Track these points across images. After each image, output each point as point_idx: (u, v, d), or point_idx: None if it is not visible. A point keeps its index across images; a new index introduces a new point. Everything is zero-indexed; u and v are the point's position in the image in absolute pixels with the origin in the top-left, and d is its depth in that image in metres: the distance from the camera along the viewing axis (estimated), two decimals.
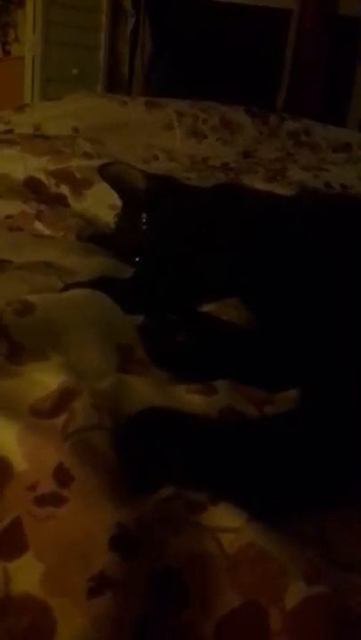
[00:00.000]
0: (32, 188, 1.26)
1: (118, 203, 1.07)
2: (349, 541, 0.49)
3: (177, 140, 1.90)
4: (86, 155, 1.47)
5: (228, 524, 0.45)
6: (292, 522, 0.49)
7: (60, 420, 0.50)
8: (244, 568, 0.43)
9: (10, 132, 1.77)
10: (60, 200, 1.25)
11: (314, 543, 0.47)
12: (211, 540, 0.45)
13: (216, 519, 0.46)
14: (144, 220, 0.93)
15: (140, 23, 4.02)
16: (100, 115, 1.96)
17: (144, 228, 0.93)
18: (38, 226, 1.12)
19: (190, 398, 0.59)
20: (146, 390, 0.58)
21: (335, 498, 0.52)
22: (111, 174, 1.03)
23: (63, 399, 0.52)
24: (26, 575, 0.40)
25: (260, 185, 1.44)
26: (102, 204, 1.20)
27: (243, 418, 0.58)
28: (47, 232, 1.11)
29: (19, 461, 0.46)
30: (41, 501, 0.44)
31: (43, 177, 1.28)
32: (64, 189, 1.26)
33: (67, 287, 0.80)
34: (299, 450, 0.53)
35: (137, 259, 0.94)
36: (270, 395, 0.63)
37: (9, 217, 1.14)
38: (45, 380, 0.56)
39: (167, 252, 0.91)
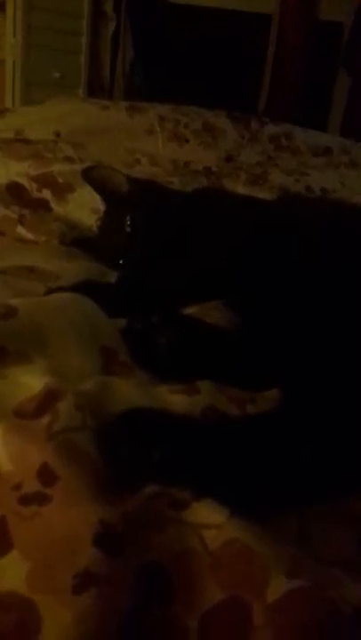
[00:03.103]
0: (14, 193, 1.26)
1: (100, 207, 1.07)
2: (332, 537, 0.50)
3: (159, 144, 1.90)
4: (68, 159, 1.47)
5: (210, 521, 0.46)
6: (275, 518, 0.50)
7: (44, 420, 0.50)
8: (226, 563, 0.44)
9: None
10: (42, 204, 1.25)
11: (297, 539, 0.48)
12: (194, 537, 0.45)
13: (199, 516, 0.46)
14: (128, 224, 0.94)
15: (120, 27, 4.03)
16: (81, 119, 1.96)
17: (127, 231, 0.94)
18: (21, 230, 1.13)
19: (173, 398, 0.60)
20: (129, 391, 0.59)
21: (317, 494, 0.53)
22: (95, 178, 1.03)
23: (47, 400, 0.53)
24: (11, 573, 0.41)
25: (241, 189, 1.45)
26: (84, 208, 1.20)
27: (225, 417, 0.58)
28: (30, 236, 1.12)
29: (3, 461, 0.47)
30: (26, 500, 0.44)
31: (25, 182, 1.28)
32: (46, 194, 1.26)
33: (50, 291, 0.81)
34: (279, 447, 0.54)
35: (120, 262, 0.95)
36: (252, 394, 0.64)
37: None
38: (29, 382, 0.57)
39: (150, 256, 0.91)
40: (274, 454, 0.53)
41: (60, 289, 0.81)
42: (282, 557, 0.44)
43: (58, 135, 1.80)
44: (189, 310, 0.81)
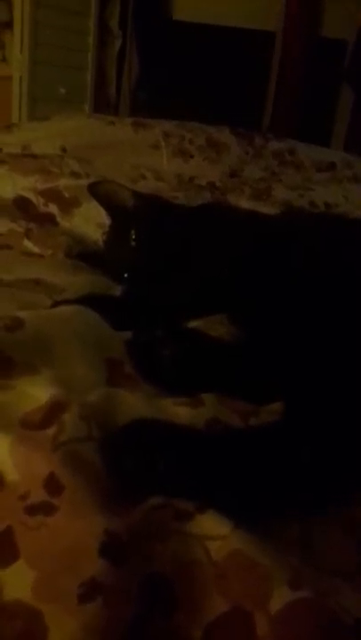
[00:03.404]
0: (21, 207, 1.28)
1: (106, 221, 1.09)
2: (333, 545, 0.50)
3: (164, 159, 1.92)
4: (74, 174, 1.49)
5: (215, 532, 0.47)
6: (278, 529, 0.50)
7: (51, 431, 0.51)
8: (230, 574, 0.45)
9: None
10: (48, 219, 1.26)
11: (299, 548, 0.49)
12: (198, 548, 0.46)
13: (203, 527, 0.47)
14: (133, 238, 0.95)
15: (126, 44, 4.08)
16: (87, 134, 1.98)
17: (132, 245, 0.95)
18: (27, 244, 1.14)
19: (177, 410, 0.60)
20: (134, 403, 0.59)
21: (319, 503, 0.54)
22: (101, 192, 1.05)
23: (53, 411, 0.54)
24: (18, 582, 0.41)
25: (245, 204, 1.47)
26: (90, 223, 1.22)
27: (228, 429, 0.59)
28: (36, 250, 1.13)
29: (10, 472, 0.47)
30: (32, 510, 0.45)
31: (32, 196, 1.29)
32: (52, 208, 1.28)
33: (56, 304, 0.81)
34: (282, 457, 0.54)
35: (125, 275, 0.95)
36: (256, 407, 0.64)
37: None
38: (35, 393, 0.57)
39: (155, 269, 0.92)
40: (276, 465, 0.54)
41: (66, 302, 0.82)
42: (284, 568, 0.44)
43: (64, 150, 1.82)
44: (193, 324, 0.82)
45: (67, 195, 1.29)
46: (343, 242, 0.87)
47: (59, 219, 1.26)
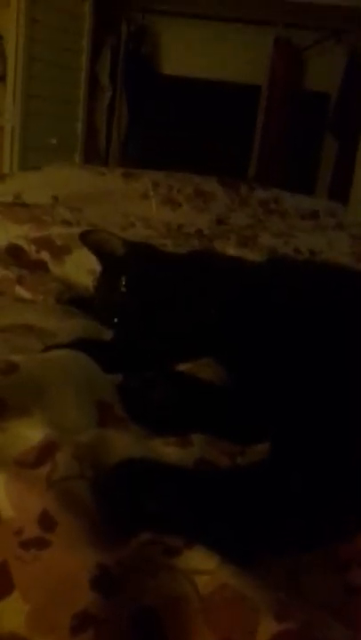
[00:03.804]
0: (13, 255, 1.31)
1: (97, 268, 1.12)
2: (319, 581, 0.52)
3: (153, 208, 1.98)
4: (66, 222, 1.53)
5: (202, 567, 0.48)
6: (266, 564, 0.52)
7: (44, 470, 0.53)
8: (218, 608, 0.46)
9: None
10: (40, 265, 1.29)
11: (286, 582, 0.50)
12: (186, 582, 0.47)
13: (191, 562, 0.48)
14: (123, 284, 0.97)
15: (116, 97, 4.20)
16: (78, 184, 2.03)
17: (122, 291, 0.97)
18: (19, 290, 1.17)
19: (167, 451, 0.62)
20: (124, 443, 0.61)
21: (305, 541, 0.55)
22: (92, 241, 1.07)
23: (46, 451, 0.55)
24: (12, 615, 0.43)
25: (232, 250, 1.51)
26: (81, 269, 1.24)
27: (216, 468, 0.61)
28: (28, 296, 1.15)
29: (5, 508, 0.49)
30: (26, 545, 0.46)
31: (24, 244, 1.33)
32: (44, 255, 1.31)
33: (48, 348, 0.84)
34: (269, 495, 0.56)
35: (115, 320, 0.98)
36: (242, 447, 0.66)
37: None
38: (29, 434, 0.59)
39: (145, 314, 0.95)
40: (263, 501, 0.55)
41: (58, 346, 0.84)
42: (271, 601, 0.46)
43: (55, 199, 1.87)
44: (183, 367, 0.85)
45: (58, 242, 1.32)
46: (327, 287, 0.90)
47: (50, 265, 1.29)
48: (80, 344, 0.84)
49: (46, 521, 0.48)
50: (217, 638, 0.45)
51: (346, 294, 0.88)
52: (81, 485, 0.52)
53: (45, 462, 0.54)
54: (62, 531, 0.47)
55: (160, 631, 0.45)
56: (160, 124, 4.17)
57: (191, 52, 4.15)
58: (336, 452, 0.62)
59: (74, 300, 1.15)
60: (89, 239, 1.08)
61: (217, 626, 0.45)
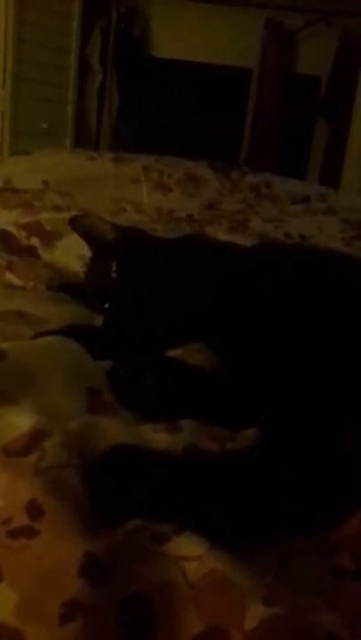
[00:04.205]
0: (3, 241, 1.30)
1: (87, 253, 1.11)
2: (309, 566, 0.52)
3: (144, 193, 1.96)
4: (56, 207, 1.52)
5: (190, 553, 0.48)
6: (255, 549, 0.52)
7: (32, 458, 0.53)
8: (206, 594, 0.46)
9: None
10: (30, 252, 1.28)
11: (275, 568, 0.50)
12: (175, 569, 0.47)
13: (180, 548, 0.48)
14: (113, 269, 0.97)
15: (106, 80, 4.16)
16: (69, 169, 2.02)
17: (113, 276, 0.97)
18: (9, 276, 1.16)
19: (156, 437, 0.62)
20: (114, 430, 0.61)
21: (295, 526, 0.55)
22: (82, 226, 1.06)
23: (34, 439, 0.55)
24: (0, 604, 0.43)
25: (223, 235, 1.50)
26: (71, 255, 1.24)
27: (205, 454, 0.61)
28: (18, 282, 1.15)
29: None
30: (14, 534, 0.46)
31: (13, 229, 1.32)
32: (34, 241, 1.30)
33: (37, 335, 0.83)
34: (258, 480, 0.56)
35: (106, 306, 0.97)
36: (232, 433, 0.66)
37: None
38: (17, 421, 0.59)
39: (135, 300, 0.94)
40: (252, 489, 0.56)
41: (48, 332, 0.84)
42: (259, 586, 0.46)
43: (46, 184, 1.86)
44: (173, 352, 0.84)
45: (48, 228, 1.31)
46: (318, 272, 0.90)
47: (40, 251, 1.29)
48: (70, 330, 0.84)
49: (34, 510, 0.48)
50: (206, 624, 0.45)
51: (336, 279, 0.87)
52: (69, 473, 0.52)
53: (33, 450, 0.54)
54: (50, 519, 0.47)
55: (149, 618, 0.45)
56: (151, 107, 4.14)
57: (182, 35, 4.11)
58: (326, 438, 0.62)
59: (64, 287, 1.14)
60: (78, 224, 1.07)
61: (206, 611, 0.45)
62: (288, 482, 0.57)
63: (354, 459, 0.61)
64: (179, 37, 4.12)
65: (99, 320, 0.97)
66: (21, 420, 0.58)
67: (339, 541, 0.55)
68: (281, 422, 0.65)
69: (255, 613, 0.44)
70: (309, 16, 4.01)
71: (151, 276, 0.95)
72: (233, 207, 2.01)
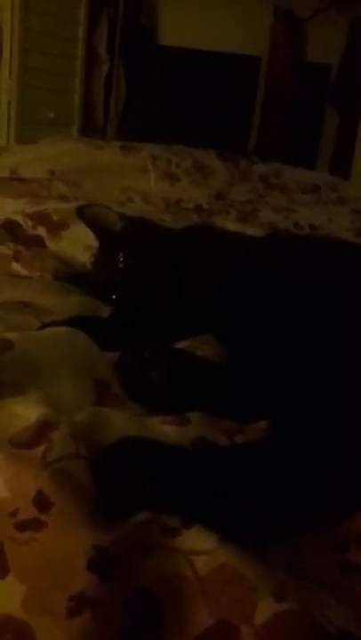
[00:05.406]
0: (9, 230, 1.29)
1: (94, 243, 1.10)
2: (320, 560, 0.52)
3: (151, 182, 1.95)
4: (63, 197, 1.51)
5: (200, 547, 0.48)
6: (265, 543, 0.51)
7: (39, 450, 0.52)
8: (216, 588, 0.46)
9: None
10: (36, 241, 1.28)
11: (285, 563, 0.50)
12: (184, 563, 0.47)
13: (189, 542, 0.48)
14: (121, 260, 0.96)
15: (114, 69, 4.13)
16: (76, 158, 2.00)
17: (120, 267, 0.96)
18: (15, 266, 1.15)
19: (164, 429, 0.61)
20: (121, 422, 0.61)
21: (305, 520, 0.55)
22: (89, 216, 1.05)
23: (42, 430, 0.55)
24: (7, 597, 0.42)
25: (231, 226, 1.49)
26: (78, 245, 1.23)
27: (214, 446, 0.60)
28: (24, 272, 1.14)
29: (0, 489, 0.48)
30: (22, 526, 0.46)
31: (20, 219, 1.31)
32: (41, 231, 1.29)
33: (44, 326, 0.83)
34: (268, 474, 0.55)
35: (113, 297, 0.97)
36: (241, 426, 0.66)
37: None
38: (24, 413, 0.58)
39: (143, 291, 0.94)
40: (261, 482, 0.55)
41: (54, 323, 0.83)
42: (269, 580, 0.45)
43: (52, 174, 1.85)
44: (181, 344, 0.84)
45: (55, 218, 1.31)
46: (329, 263, 0.89)
47: (47, 241, 1.28)
48: (77, 321, 0.83)
49: (42, 502, 0.47)
50: (215, 619, 0.44)
51: (347, 270, 0.86)
52: (77, 465, 0.51)
53: (41, 442, 0.53)
54: (58, 511, 0.47)
55: (157, 612, 0.44)
56: (159, 96, 4.11)
57: (190, 23, 4.07)
58: (336, 432, 0.61)
59: (71, 277, 1.13)
60: (85, 214, 1.06)
61: (215, 606, 0.45)
62: (298, 475, 0.57)
63: None
64: (186, 25, 4.08)
65: (106, 311, 0.97)
66: (28, 412, 0.58)
67: (348, 536, 0.54)
68: (290, 415, 0.65)
69: (265, 608, 0.44)
70: (319, 4, 3.97)
71: (159, 267, 0.94)
72: (242, 197, 1.99)
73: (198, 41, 4.06)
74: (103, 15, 4.05)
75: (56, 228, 1.29)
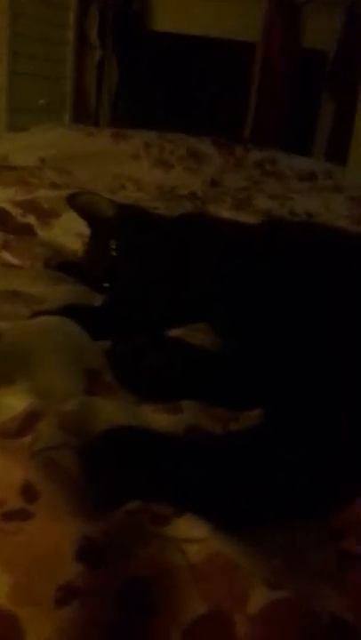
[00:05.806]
0: None
1: (85, 231, 1.09)
2: (315, 549, 0.51)
3: (144, 169, 1.93)
4: (54, 185, 1.50)
5: (192, 535, 0.47)
6: (259, 532, 0.51)
7: (27, 439, 0.51)
8: (209, 577, 0.45)
9: None
10: (26, 230, 1.26)
11: (280, 551, 0.49)
12: (176, 551, 0.46)
13: (181, 530, 0.47)
14: (113, 248, 0.95)
15: (106, 55, 4.09)
16: (67, 145, 1.99)
17: (113, 255, 0.95)
18: (5, 255, 1.14)
19: (156, 417, 0.61)
20: (112, 411, 0.60)
21: (300, 509, 0.54)
22: (80, 203, 1.04)
23: (29, 420, 0.54)
24: None
25: (226, 213, 1.48)
26: (69, 233, 1.22)
27: (207, 434, 0.59)
28: (14, 261, 1.13)
29: None
30: (9, 517, 0.45)
31: (9, 207, 1.29)
32: (31, 219, 1.28)
33: (35, 315, 0.82)
34: (261, 462, 0.55)
35: (105, 285, 0.96)
36: (236, 413, 0.65)
37: None
38: (12, 403, 0.58)
39: (136, 279, 0.93)
40: (255, 470, 0.54)
41: (45, 312, 0.82)
42: (264, 569, 0.45)
43: (43, 161, 1.83)
44: (174, 332, 0.83)
45: (45, 206, 1.29)
46: (325, 251, 0.88)
47: (37, 230, 1.27)
48: (68, 310, 0.82)
49: (29, 492, 0.46)
50: (208, 607, 0.43)
51: (344, 258, 0.86)
52: (65, 455, 0.51)
53: (28, 432, 0.52)
54: (45, 502, 0.46)
55: (149, 601, 0.43)
56: (151, 82, 4.07)
57: (183, 8, 4.03)
58: (330, 420, 0.61)
59: (62, 265, 1.12)
60: (77, 202, 1.05)
61: (208, 595, 0.44)
62: (292, 463, 0.56)
63: (359, 439, 0.59)
64: (180, 10, 4.04)
65: (98, 299, 0.96)
66: (16, 401, 0.57)
67: (343, 525, 0.53)
68: (285, 403, 0.64)
69: (259, 597, 0.43)
70: None
71: (152, 255, 0.94)
72: (237, 184, 1.98)
73: (191, 26, 4.02)
74: (94, 0, 4.01)
75: (47, 216, 1.28)
